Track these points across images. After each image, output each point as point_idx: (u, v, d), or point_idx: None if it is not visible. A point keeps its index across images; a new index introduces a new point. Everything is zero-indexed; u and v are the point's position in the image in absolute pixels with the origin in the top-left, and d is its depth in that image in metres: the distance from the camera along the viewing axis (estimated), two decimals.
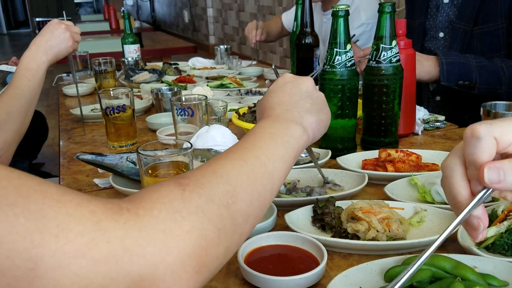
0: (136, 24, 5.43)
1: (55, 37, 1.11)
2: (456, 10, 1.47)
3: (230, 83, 1.79)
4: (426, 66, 1.28)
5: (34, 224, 0.31)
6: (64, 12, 1.23)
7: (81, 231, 0.33)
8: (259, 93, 1.68)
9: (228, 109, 1.30)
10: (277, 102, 0.62)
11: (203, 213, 0.40)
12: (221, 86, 1.78)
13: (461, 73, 1.29)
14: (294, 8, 2.36)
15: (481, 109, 1.05)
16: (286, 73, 0.68)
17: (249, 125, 1.11)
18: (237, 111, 1.21)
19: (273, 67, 0.75)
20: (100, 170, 1.00)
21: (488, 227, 0.66)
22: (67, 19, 1.26)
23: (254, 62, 2.43)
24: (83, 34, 4.56)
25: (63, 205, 0.33)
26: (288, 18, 2.37)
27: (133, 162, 0.93)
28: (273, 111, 0.60)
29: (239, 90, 1.72)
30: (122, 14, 4.77)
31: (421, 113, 1.27)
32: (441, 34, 1.53)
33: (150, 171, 0.74)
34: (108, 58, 1.78)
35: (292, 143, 0.55)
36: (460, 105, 1.49)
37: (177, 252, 0.37)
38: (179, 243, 0.37)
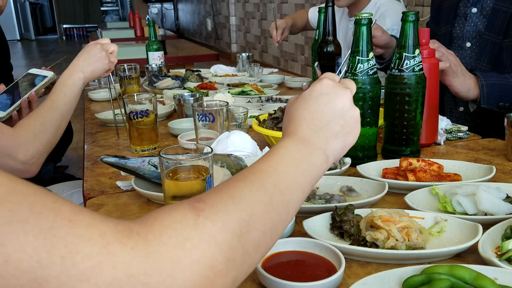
0: (160, 31, 5.51)
1: (92, 56, 1.17)
2: (485, 20, 1.45)
3: (251, 90, 1.81)
4: (467, 83, 1.27)
5: (42, 243, 0.32)
6: (100, 31, 1.27)
7: (88, 254, 0.33)
8: (280, 100, 1.69)
9: (248, 116, 1.31)
10: (307, 118, 0.59)
11: (215, 243, 0.39)
12: (242, 93, 1.80)
13: (502, 95, 1.28)
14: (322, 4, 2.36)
15: (505, 120, 1.04)
16: (326, 78, 0.62)
17: (269, 132, 1.11)
18: (257, 118, 1.22)
19: (315, 65, 0.72)
20: (122, 173, 1.02)
21: (509, 239, 0.65)
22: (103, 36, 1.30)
23: (276, 70, 2.44)
24: None
25: (74, 224, 0.34)
26: (314, 14, 2.36)
27: (155, 166, 0.94)
28: (300, 127, 0.58)
29: (260, 97, 1.73)
30: (147, 22, 4.85)
31: (444, 123, 1.26)
32: (468, 44, 1.51)
33: (171, 174, 0.76)
34: (133, 64, 1.82)
35: (312, 172, 0.54)
36: (484, 117, 1.46)
37: (183, 282, 0.36)
38: (185, 273, 0.37)
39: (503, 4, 1.39)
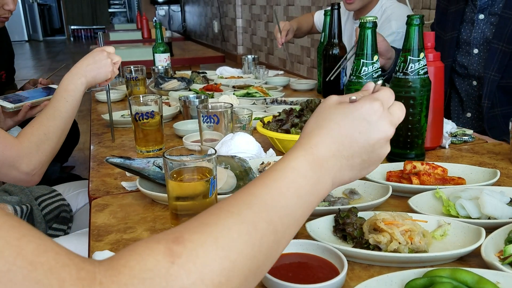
0: (167, 33, 5.54)
1: (96, 62, 1.15)
2: (493, 28, 1.44)
3: (256, 92, 1.81)
4: None
5: None
6: (101, 34, 1.28)
7: None
8: (285, 102, 1.69)
9: (253, 118, 1.31)
10: (334, 137, 0.52)
11: None
12: (247, 95, 1.80)
13: None
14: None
15: (510, 124, 1.03)
16: (379, 102, 0.54)
17: (273, 134, 1.12)
18: (261, 120, 1.22)
19: (378, 82, 0.59)
20: (127, 174, 1.03)
21: None
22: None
23: (281, 72, 2.44)
24: (116, 42, 4.71)
25: (33, 268, 0.31)
26: (320, 18, 2.37)
27: (159, 167, 0.95)
28: (322, 145, 0.52)
29: (265, 99, 1.74)
30: (154, 24, 4.87)
31: (449, 126, 1.25)
32: (476, 51, 1.51)
33: (175, 175, 0.76)
34: (139, 66, 1.83)
35: (313, 204, 0.50)
36: (488, 120, 1.46)
37: None
38: None
39: (510, 12, 1.38)
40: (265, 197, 0.46)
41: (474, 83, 1.54)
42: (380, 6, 2.04)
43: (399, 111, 0.57)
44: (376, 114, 0.53)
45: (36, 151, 0.99)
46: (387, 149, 0.56)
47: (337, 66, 1.46)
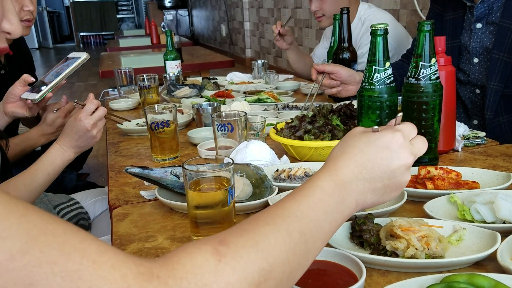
0: (175, 38, 5.58)
1: (81, 137, 1.17)
2: (492, 37, 1.43)
3: (267, 98, 1.83)
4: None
5: (68, 284, 0.34)
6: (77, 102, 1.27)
7: None
8: (296, 107, 1.70)
9: (266, 124, 1.33)
10: (357, 162, 0.57)
11: None
12: (259, 100, 1.82)
13: None
14: (320, 43, 2.42)
15: None
16: (400, 133, 0.58)
17: (287, 140, 1.13)
18: (275, 127, 1.24)
19: (399, 115, 0.65)
20: (146, 183, 1.05)
21: None
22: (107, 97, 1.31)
23: (291, 77, 2.46)
24: (126, 49, 4.72)
25: (98, 266, 0.35)
26: (316, 54, 2.43)
27: (177, 176, 0.97)
28: (347, 168, 0.57)
29: (276, 104, 1.76)
30: (164, 31, 4.89)
31: (461, 129, 1.26)
32: (476, 60, 1.50)
33: (193, 185, 0.78)
34: (152, 74, 1.86)
35: (339, 222, 0.55)
36: (491, 130, 1.46)
37: None
38: None
39: (509, 22, 1.37)
40: (295, 211, 0.51)
41: (478, 91, 1.54)
42: (359, 18, 2.06)
43: (421, 144, 0.62)
44: (397, 143, 0.58)
45: None
46: (408, 177, 0.60)
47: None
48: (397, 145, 0.58)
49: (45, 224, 0.35)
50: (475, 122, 1.57)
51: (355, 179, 0.56)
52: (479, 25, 1.46)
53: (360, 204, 0.57)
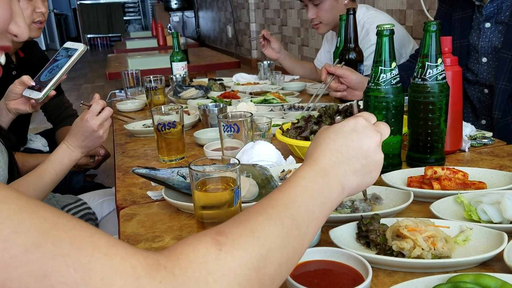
0: (181, 40, 5.60)
1: (88, 137, 1.18)
2: (501, 37, 1.42)
3: (273, 99, 1.83)
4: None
5: (81, 276, 0.35)
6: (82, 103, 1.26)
7: (121, 287, 0.36)
8: (302, 108, 1.71)
9: (272, 125, 1.33)
10: (332, 149, 0.61)
11: (234, 276, 0.42)
12: (265, 101, 1.82)
13: None
14: (322, 48, 2.43)
15: None
16: (362, 118, 0.65)
17: (293, 141, 1.14)
18: (281, 127, 1.24)
19: (354, 102, 0.73)
20: (153, 183, 1.06)
21: None
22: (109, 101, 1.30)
23: (297, 77, 2.46)
24: (132, 51, 4.74)
25: (109, 258, 0.37)
26: (319, 59, 2.43)
27: (183, 176, 0.98)
28: (323, 158, 0.60)
29: (282, 105, 1.76)
30: (169, 31, 4.92)
31: (468, 129, 1.25)
32: (484, 59, 1.49)
33: (200, 186, 0.79)
34: (158, 76, 1.87)
35: (328, 205, 0.57)
36: (499, 130, 1.45)
37: None
38: None
39: None
40: (284, 200, 0.54)
41: (486, 91, 1.53)
42: (358, 21, 2.06)
43: (382, 125, 0.67)
44: (361, 125, 0.64)
45: None
46: (380, 155, 0.64)
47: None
48: (362, 127, 0.63)
49: (56, 219, 0.37)
50: (483, 122, 1.57)
51: (334, 164, 0.60)
52: (488, 25, 1.45)
53: (346, 187, 0.60)
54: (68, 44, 1.38)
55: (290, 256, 0.50)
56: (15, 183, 1.07)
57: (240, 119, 1.15)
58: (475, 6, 1.50)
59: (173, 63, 2.28)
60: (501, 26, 1.43)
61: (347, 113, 1.23)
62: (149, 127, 1.56)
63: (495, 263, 0.67)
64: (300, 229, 0.52)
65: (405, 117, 1.08)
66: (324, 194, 0.57)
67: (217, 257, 0.43)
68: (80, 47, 1.34)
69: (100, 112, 1.19)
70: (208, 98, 1.94)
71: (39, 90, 1.32)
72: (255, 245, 0.46)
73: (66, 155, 1.16)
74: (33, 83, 1.33)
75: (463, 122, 1.20)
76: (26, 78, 1.35)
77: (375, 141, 0.63)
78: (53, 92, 1.34)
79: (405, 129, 1.09)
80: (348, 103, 1.31)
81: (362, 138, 0.62)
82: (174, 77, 2.15)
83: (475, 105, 1.59)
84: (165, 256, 0.41)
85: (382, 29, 0.98)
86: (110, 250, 0.37)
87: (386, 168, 1.03)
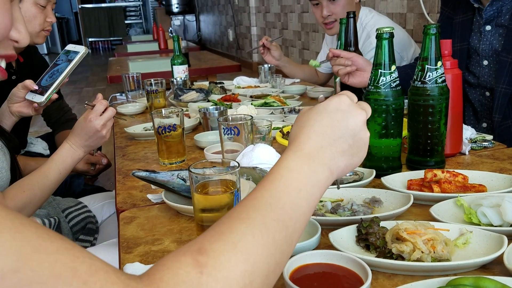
0: (183, 43, 5.62)
1: (91, 137, 1.18)
2: (501, 40, 1.43)
3: (273, 102, 1.83)
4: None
5: None
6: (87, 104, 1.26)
7: None
8: None
9: (272, 128, 1.33)
10: (317, 131, 0.58)
11: None
12: (265, 104, 1.83)
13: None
14: (322, 51, 2.43)
15: None
16: (345, 96, 0.61)
17: None
18: (281, 130, 1.25)
19: (336, 80, 0.72)
20: (153, 186, 1.06)
21: None
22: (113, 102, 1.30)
23: (297, 80, 2.46)
24: (134, 54, 4.76)
25: (88, 287, 0.35)
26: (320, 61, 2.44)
27: (183, 179, 0.98)
28: (309, 141, 0.57)
29: (283, 108, 1.76)
30: (170, 35, 4.92)
31: (468, 132, 1.25)
32: (485, 62, 1.49)
33: (200, 188, 0.79)
34: (159, 79, 1.87)
35: (316, 194, 0.53)
36: (499, 133, 1.45)
37: None
38: None
39: None
40: (267, 199, 0.50)
41: (487, 93, 1.54)
42: (360, 24, 2.06)
43: (365, 104, 0.64)
44: (345, 104, 0.60)
45: None
46: (367, 133, 0.61)
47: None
48: (346, 105, 0.60)
49: (40, 241, 0.36)
50: (484, 125, 1.56)
51: (321, 147, 0.56)
52: (488, 27, 1.46)
53: (334, 170, 0.56)
54: (70, 47, 1.39)
55: (278, 262, 0.47)
56: (19, 182, 1.07)
57: (241, 122, 1.15)
58: (475, 9, 1.50)
59: (174, 67, 2.29)
60: (501, 29, 1.43)
61: None
62: (149, 130, 1.56)
63: (495, 266, 0.67)
64: (288, 229, 0.48)
65: (405, 120, 1.08)
66: (311, 183, 0.53)
67: (199, 283, 0.40)
68: (81, 50, 1.35)
69: (103, 112, 1.20)
70: (208, 101, 1.94)
71: (42, 93, 1.33)
72: (239, 261, 0.43)
73: (70, 154, 1.17)
74: (36, 87, 1.34)
75: (463, 125, 1.20)
76: (29, 82, 1.35)
77: (361, 119, 0.60)
78: (55, 96, 1.35)
79: (405, 132, 1.09)
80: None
81: (347, 117, 0.59)
82: (175, 80, 2.16)
83: (476, 108, 1.59)
84: (145, 284, 0.39)
85: (382, 32, 0.98)
86: (91, 277, 0.36)
87: (386, 171, 1.03)
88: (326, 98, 0.65)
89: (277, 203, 0.49)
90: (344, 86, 1.55)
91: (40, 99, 1.32)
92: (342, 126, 0.59)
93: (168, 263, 0.41)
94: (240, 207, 0.49)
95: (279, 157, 1.09)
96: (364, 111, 0.61)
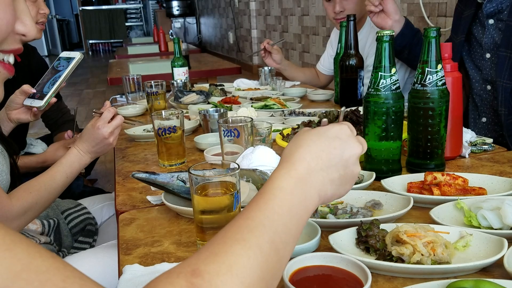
0: (183, 46, 5.62)
1: (98, 144, 1.20)
2: (501, 34, 1.44)
3: (273, 104, 1.83)
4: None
5: None
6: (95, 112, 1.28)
7: None
8: (302, 113, 1.71)
9: (272, 130, 1.33)
10: (312, 153, 0.57)
11: None
12: (265, 107, 1.83)
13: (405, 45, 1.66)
14: (326, 52, 2.43)
15: None
16: (347, 126, 0.62)
17: None
18: (281, 132, 1.25)
19: (342, 109, 0.74)
20: (152, 188, 1.06)
21: None
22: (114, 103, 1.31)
23: (298, 83, 2.47)
24: (134, 56, 4.76)
25: None
26: (323, 63, 2.43)
27: (183, 181, 0.98)
28: (303, 162, 0.56)
29: (283, 111, 1.76)
30: (171, 37, 4.94)
31: (468, 135, 1.25)
32: (488, 55, 1.51)
33: (199, 190, 0.79)
34: (159, 81, 1.87)
35: (304, 219, 0.54)
36: (507, 127, 1.45)
37: None
38: None
39: None
40: (262, 219, 0.49)
41: (489, 87, 1.54)
42: (369, 23, 2.06)
43: (362, 139, 0.64)
44: (346, 134, 0.61)
45: (22, 216, 1.03)
46: (358, 168, 0.61)
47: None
48: (346, 136, 0.61)
49: (30, 259, 0.35)
50: (484, 119, 1.57)
51: (313, 170, 0.56)
52: (491, 21, 1.48)
53: (322, 196, 0.57)
54: (65, 54, 1.41)
55: (268, 285, 0.47)
56: (26, 184, 1.08)
57: (241, 124, 1.15)
58: (479, 4, 1.52)
59: (174, 69, 2.29)
60: (501, 23, 1.45)
61: (347, 118, 1.23)
62: (149, 132, 1.56)
63: (495, 269, 0.67)
64: (279, 252, 0.48)
65: (405, 122, 1.08)
66: (302, 207, 0.53)
67: None
68: (77, 56, 1.37)
69: (111, 120, 1.21)
70: (209, 103, 1.94)
71: (40, 98, 1.34)
72: (234, 284, 0.42)
73: (77, 159, 1.18)
74: (34, 91, 1.35)
75: (463, 128, 1.20)
76: (26, 87, 1.36)
77: (356, 152, 0.61)
78: (54, 99, 1.36)
79: (405, 135, 1.09)
80: (348, 109, 1.31)
81: (344, 147, 0.59)
82: (175, 83, 2.16)
83: (477, 103, 1.60)
84: None
85: (382, 35, 0.98)
86: None
87: (386, 174, 1.03)
88: (328, 123, 0.65)
89: (270, 224, 0.49)
90: (346, 82, 1.57)
91: (39, 103, 1.33)
92: (337, 154, 0.59)
93: (161, 285, 0.40)
94: (233, 226, 0.49)
95: (279, 159, 1.10)
96: (361, 145, 0.62)
